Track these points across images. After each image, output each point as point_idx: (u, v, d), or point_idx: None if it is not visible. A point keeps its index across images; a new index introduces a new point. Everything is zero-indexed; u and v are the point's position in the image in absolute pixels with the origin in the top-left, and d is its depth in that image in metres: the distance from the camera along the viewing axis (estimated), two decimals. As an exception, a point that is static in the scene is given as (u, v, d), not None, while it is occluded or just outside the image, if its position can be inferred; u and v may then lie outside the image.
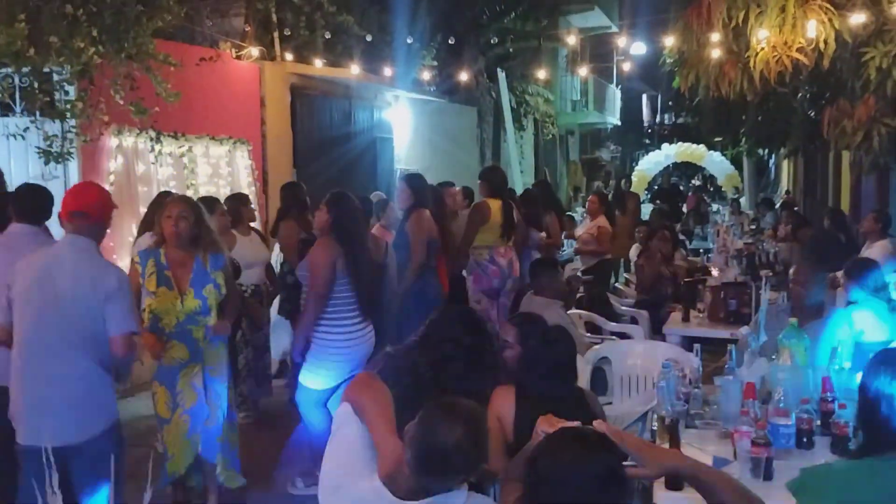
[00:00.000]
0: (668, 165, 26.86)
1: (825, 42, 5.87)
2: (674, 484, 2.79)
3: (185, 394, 4.20)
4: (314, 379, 4.58)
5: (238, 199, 6.30)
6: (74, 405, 3.40)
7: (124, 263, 5.53)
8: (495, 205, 6.71)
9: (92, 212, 3.54)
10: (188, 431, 4.21)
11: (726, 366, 3.67)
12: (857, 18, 5.66)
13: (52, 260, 3.47)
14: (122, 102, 6.31)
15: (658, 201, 15.62)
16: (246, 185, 8.50)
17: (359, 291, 4.54)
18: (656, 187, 24.85)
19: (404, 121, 12.95)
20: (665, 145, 25.75)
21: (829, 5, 5.82)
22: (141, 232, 5.52)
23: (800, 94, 10.87)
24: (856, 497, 2.08)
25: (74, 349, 3.39)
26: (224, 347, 4.40)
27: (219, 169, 8.18)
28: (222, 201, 5.93)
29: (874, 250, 7.53)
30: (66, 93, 6.15)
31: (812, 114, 10.87)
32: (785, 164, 21.63)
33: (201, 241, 4.24)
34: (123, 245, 6.65)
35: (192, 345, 4.19)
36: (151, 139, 6.94)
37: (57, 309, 3.38)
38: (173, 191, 6.62)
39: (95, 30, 5.92)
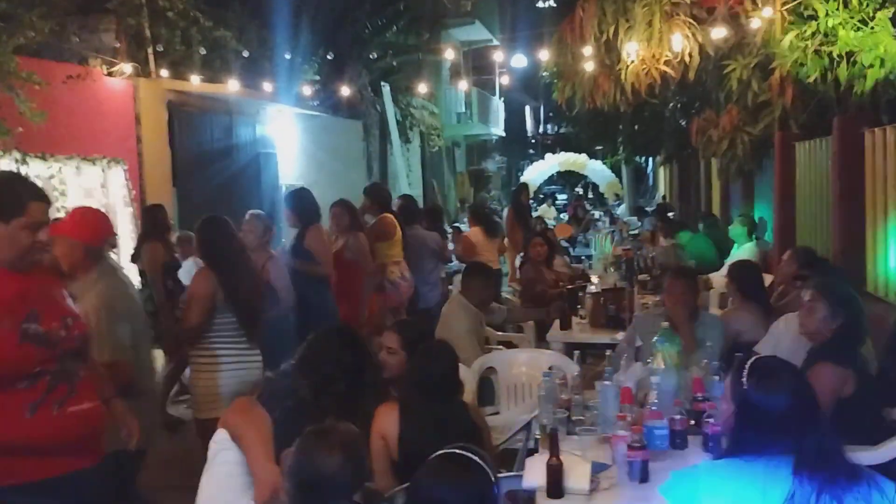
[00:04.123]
0: (553, 174, 27.58)
1: (690, 55, 6.14)
2: (555, 492, 2.85)
3: None
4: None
5: None
6: None
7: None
8: (390, 219, 6.76)
9: None
10: None
11: (605, 371, 3.78)
12: (719, 32, 5.94)
13: None
14: (-19, 123, 6.01)
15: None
16: (122, 205, 8.20)
17: (241, 317, 4.39)
18: (541, 196, 25.43)
19: (289, 136, 12.79)
20: (549, 155, 26.44)
21: (692, 20, 6.11)
22: None
23: (670, 105, 11.37)
24: (719, 494, 2.18)
25: None
26: None
27: (92, 191, 7.86)
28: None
29: (742, 252, 7.94)
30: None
31: (683, 123, 11.38)
32: (661, 171, 22.50)
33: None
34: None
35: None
36: (17, 161, 6.62)
37: None
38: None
39: (-49, 47, 5.62)
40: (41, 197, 2.69)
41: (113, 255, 4.74)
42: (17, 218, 2.59)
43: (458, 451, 2.08)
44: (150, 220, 6.35)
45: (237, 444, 2.30)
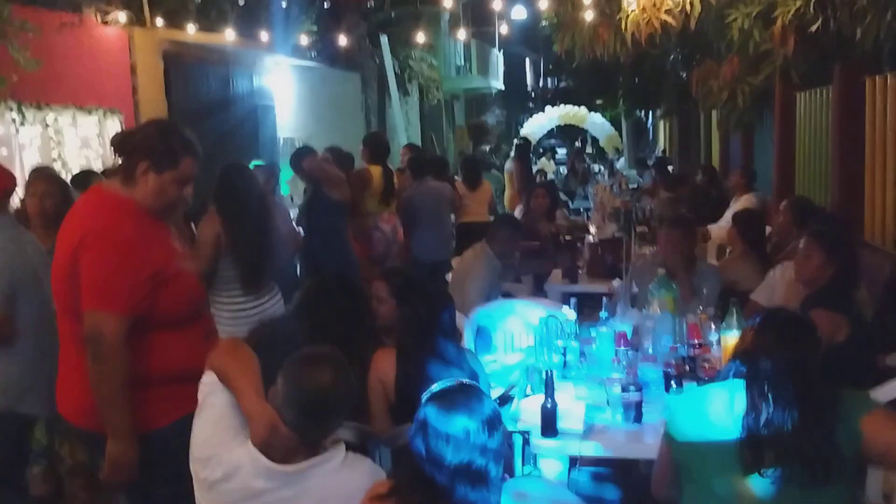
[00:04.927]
0: (552, 128, 27.40)
1: (691, 4, 6.05)
2: (549, 432, 2.89)
3: None
4: None
5: (83, 180, 5.44)
6: None
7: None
8: (376, 171, 6.71)
9: None
10: None
11: (600, 317, 3.81)
12: (720, -20, 5.87)
13: None
14: (-24, 71, 5.96)
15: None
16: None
17: (241, 268, 4.27)
18: (540, 150, 25.28)
19: (287, 88, 12.69)
20: (549, 108, 26.22)
21: (693, -33, 6.01)
22: None
23: (671, 57, 11.25)
24: (703, 410, 2.34)
25: None
26: None
27: (89, 142, 7.82)
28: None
29: (741, 203, 7.93)
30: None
31: (683, 76, 11.27)
32: (661, 124, 22.36)
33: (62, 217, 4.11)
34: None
35: None
36: (11, 110, 6.58)
37: None
38: (39, 164, 6.30)
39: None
40: (193, 153, 2.77)
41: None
42: (169, 171, 2.67)
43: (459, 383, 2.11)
44: None
45: (225, 385, 2.30)
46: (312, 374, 2.15)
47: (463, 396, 2.05)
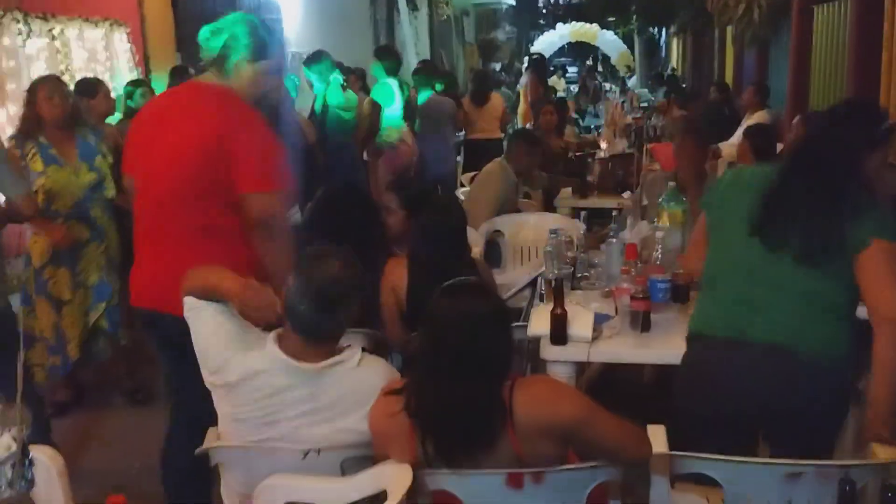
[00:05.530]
0: (563, 46, 26.96)
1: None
2: (558, 339, 2.95)
3: (88, 272, 4.24)
4: None
5: (89, 88, 5.30)
6: None
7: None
8: (395, 85, 6.67)
9: None
10: (90, 307, 4.27)
11: (610, 230, 3.83)
12: None
13: None
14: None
15: None
16: (127, 70, 8.09)
17: None
18: (551, 68, 24.87)
19: (294, 1, 12.45)
20: (560, 25, 25.74)
21: None
22: None
23: (687, -31, 10.99)
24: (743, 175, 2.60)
25: None
26: None
27: (96, 54, 7.74)
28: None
29: (753, 120, 7.86)
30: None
31: (698, -11, 11.03)
32: (674, 42, 21.96)
33: (78, 118, 4.28)
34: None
35: (91, 223, 4.22)
36: (18, 21, 6.49)
37: None
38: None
39: None
40: (282, 45, 3.01)
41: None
42: (262, 61, 2.80)
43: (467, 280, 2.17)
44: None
45: (202, 295, 2.35)
46: (320, 267, 2.21)
47: (472, 290, 2.12)
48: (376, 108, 6.54)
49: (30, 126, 4.14)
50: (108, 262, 4.30)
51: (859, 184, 2.27)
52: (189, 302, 2.35)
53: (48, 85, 4.23)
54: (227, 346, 2.27)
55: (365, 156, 6.73)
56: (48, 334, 4.22)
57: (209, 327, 2.30)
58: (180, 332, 2.38)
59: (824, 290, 2.28)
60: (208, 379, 2.32)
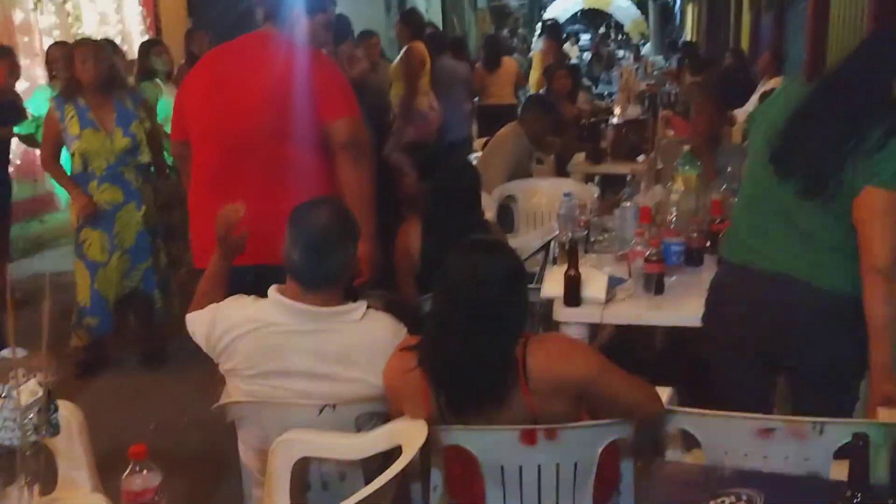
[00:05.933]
0: (577, 13, 26.67)
1: None
2: (572, 301, 2.95)
3: (123, 235, 4.30)
4: None
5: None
6: None
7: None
8: (422, 48, 6.58)
9: None
10: (127, 271, 4.35)
11: (623, 195, 3.82)
12: None
13: None
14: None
15: None
16: (138, 33, 8.08)
17: None
18: (564, 35, 24.59)
19: (304, -35, 12.34)
20: (573, -9, 25.45)
21: None
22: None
23: (704, -67, 10.82)
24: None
25: None
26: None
27: (107, 17, 7.73)
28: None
29: (769, 86, 7.77)
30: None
31: (715, -47, 10.86)
32: (689, 8, 21.69)
33: (116, 81, 4.32)
34: None
35: (126, 186, 4.27)
36: (29, -14, 6.49)
37: None
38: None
39: None
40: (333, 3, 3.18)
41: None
42: (319, 14, 3.00)
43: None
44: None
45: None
46: (311, 214, 2.26)
47: (488, 246, 2.13)
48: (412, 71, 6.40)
49: (70, 89, 4.21)
50: (145, 225, 4.36)
51: (881, 118, 2.13)
52: (190, 320, 2.42)
53: (83, 49, 4.28)
54: (227, 318, 2.32)
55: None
56: (84, 295, 4.30)
57: (206, 315, 2.37)
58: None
59: (824, 226, 2.20)
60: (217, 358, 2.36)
